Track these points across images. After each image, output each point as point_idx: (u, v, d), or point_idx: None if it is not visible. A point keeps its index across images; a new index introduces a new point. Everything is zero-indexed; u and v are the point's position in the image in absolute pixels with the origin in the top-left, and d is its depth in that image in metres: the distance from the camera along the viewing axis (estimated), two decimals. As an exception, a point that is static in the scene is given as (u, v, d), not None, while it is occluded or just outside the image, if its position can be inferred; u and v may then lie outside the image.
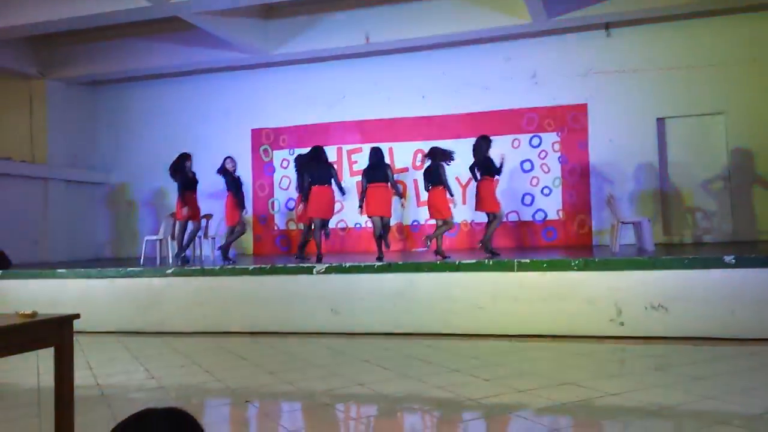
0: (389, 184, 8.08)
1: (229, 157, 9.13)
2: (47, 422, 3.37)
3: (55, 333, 2.95)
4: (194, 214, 9.03)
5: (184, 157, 9.04)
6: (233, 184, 8.94)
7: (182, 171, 8.92)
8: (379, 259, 7.62)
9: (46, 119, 11.95)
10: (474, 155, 8.14)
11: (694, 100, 9.83)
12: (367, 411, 4.19)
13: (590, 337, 6.10)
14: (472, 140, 10.55)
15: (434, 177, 7.93)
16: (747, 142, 9.58)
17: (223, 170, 8.95)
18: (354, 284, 6.96)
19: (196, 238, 10.24)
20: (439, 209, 7.93)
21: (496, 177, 8.15)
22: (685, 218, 9.95)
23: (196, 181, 9.12)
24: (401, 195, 8.83)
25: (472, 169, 8.21)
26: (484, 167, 8.00)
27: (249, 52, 10.77)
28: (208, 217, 10.04)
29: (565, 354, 5.55)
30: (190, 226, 9.03)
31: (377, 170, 8.05)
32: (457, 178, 10.00)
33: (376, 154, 8.17)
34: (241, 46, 10.49)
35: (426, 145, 10.60)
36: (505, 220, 10.39)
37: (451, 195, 8.07)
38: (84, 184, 12.40)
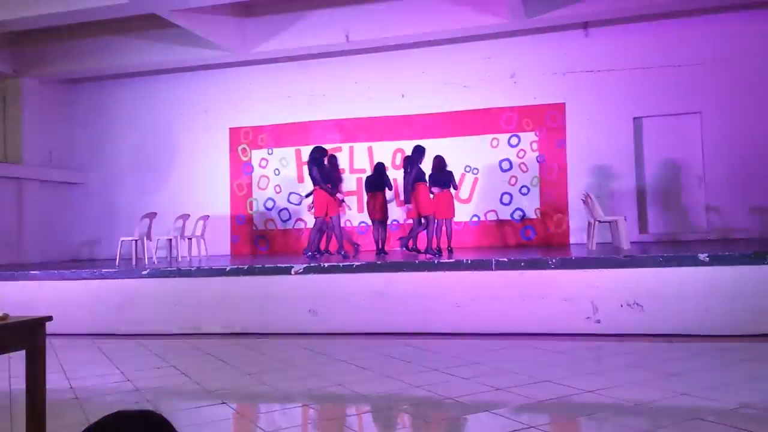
0: (386, 190, 9.04)
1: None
2: (19, 427, 3.31)
3: (26, 336, 2.90)
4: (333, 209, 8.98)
5: (322, 151, 8.88)
6: (387, 181, 9.02)
7: (321, 165, 8.74)
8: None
9: (21, 118, 11.76)
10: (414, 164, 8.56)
11: (670, 99, 9.95)
12: (346, 411, 4.17)
13: (567, 334, 6.15)
14: (452, 140, 10.68)
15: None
16: (722, 141, 9.72)
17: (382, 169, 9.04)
18: (332, 284, 6.94)
19: (173, 239, 10.15)
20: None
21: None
22: (660, 217, 10.07)
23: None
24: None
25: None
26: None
27: (227, 50, 10.69)
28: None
29: (542, 352, 5.57)
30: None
31: (377, 180, 8.97)
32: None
33: (378, 169, 9.12)
34: (219, 44, 10.41)
35: (406, 145, 10.66)
36: (483, 219, 10.46)
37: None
38: (59, 184, 12.23)
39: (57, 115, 12.44)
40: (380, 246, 9.10)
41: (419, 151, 8.51)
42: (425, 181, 8.39)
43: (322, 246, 9.24)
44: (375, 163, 9.65)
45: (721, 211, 9.71)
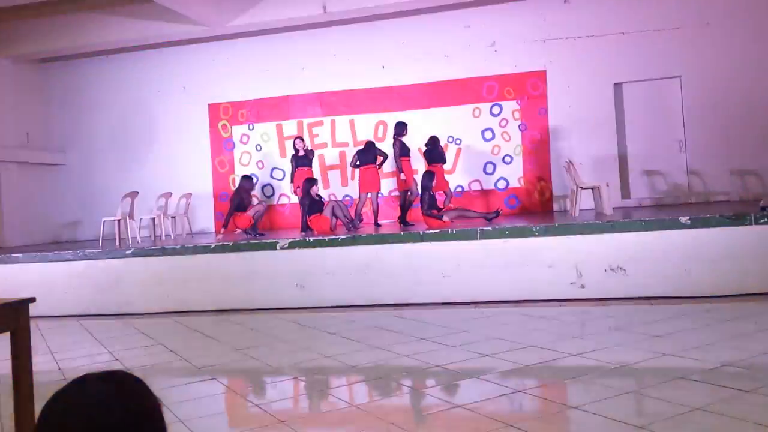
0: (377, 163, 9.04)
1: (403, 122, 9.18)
2: (6, 408, 3.30)
3: (9, 317, 2.87)
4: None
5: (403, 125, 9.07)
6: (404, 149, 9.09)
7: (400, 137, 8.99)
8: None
9: (-6, 100, 11.52)
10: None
11: (650, 64, 9.95)
12: (336, 382, 4.20)
13: (552, 300, 6.22)
14: (433, 110, 10.64)
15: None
16: (702, 105, 9.77)
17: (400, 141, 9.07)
18: (319, 258, 6.94)
19: (156, 218, 10.07)
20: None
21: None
22: (642, 181, 10.14)
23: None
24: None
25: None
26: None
27: (203, 25, 10.48)
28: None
29: (527, 318, 5.64)
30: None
31: (367, 154, 8.95)
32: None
33: (368, 144, 9.14)
34: (194, 18, 10.19)
35: (387, 117, 10.59)
36: (467, 189, 10.47)
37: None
38: (38, 166, 12.03)
39: (32, 96, 12.19)
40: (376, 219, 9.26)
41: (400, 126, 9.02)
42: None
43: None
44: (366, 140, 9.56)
45: (702, 174, 9.79)
